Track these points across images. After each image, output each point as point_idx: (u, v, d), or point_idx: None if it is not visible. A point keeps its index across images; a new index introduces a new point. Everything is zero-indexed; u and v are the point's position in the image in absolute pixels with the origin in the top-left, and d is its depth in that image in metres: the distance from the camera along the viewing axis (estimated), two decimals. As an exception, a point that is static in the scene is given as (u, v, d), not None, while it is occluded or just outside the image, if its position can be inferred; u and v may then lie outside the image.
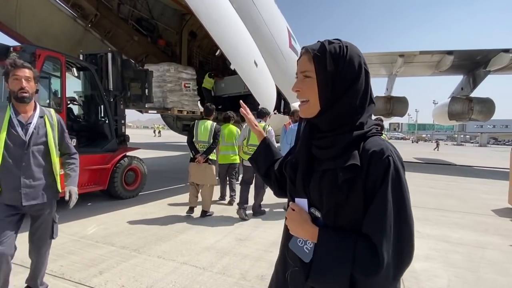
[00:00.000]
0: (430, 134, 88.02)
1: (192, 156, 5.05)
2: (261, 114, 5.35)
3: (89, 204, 5.52)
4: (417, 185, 9.03)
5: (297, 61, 0.98)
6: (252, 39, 7.12)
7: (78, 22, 8.21)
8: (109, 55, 5.80)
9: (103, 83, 5.79)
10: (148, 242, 3.79)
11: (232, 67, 6.51)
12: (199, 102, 9.27)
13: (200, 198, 5.18)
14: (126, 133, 6.31)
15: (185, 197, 6.27)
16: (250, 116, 1.39)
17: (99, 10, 8.44)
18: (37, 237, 2.42)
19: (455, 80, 16.89)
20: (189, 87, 8.16)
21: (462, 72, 15.90)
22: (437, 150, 32.07)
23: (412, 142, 64.37)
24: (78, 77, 6.07)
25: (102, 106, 5.92)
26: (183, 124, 10.29)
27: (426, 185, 9.10)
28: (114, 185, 5.68)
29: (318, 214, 0.91)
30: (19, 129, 2.11)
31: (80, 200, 5.59)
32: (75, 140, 5.01)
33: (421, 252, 3.82)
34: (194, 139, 5.06)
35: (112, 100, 5.85)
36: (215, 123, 5.20)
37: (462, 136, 72.83)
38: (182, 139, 13.98)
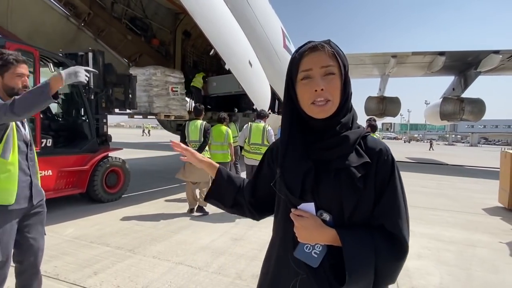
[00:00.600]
0: (422, 134, 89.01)
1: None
2: (261, 115, 5.69)
3: (82, 205, 5.47)
4: (409, 184, 9.13)
5: (304, 56, 0.91)
6: (247, 39, 7.14)
7: (71, 20, 8.13)
8: (90, 54, 5.51)
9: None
10: (143, 242, 3.78)
11: (226, 67, 6.53)
12: (192, 102, 9.28)
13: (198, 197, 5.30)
14: (109, 133, 6.02)
15: (179, 197, 6.29)
16: (191, 150, 1.29)
17: (92, 9, 8.37)
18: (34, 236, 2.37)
19: (447, 81, 17.13)
20: (176, 91, 7.91)
21: (453, 73, 16.13)
22: (432, 149, 32.48)
23: (404, 142, 65.03)
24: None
25: (81, 104, 5.61)
26: (177, 123, 10.26)
27: (418, 184, 9.22)
28: (94, 188, 5.40)
29: (326, 216, 0.90)
30: (22, 128, 2.05)
31: (74, 200, 5.59)
32: (50, 140, 4.77)
33: (413, 250, 3.87)
34: (186, 140, 5.18)
35: (93, 98, 5.56)
36: (204, 122, 5.30)
37: (453, 136, 73.83)
38: (176, 138, 13.95)
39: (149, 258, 3.35)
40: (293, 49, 11.91)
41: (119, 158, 5.99)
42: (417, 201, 6.76)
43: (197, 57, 11.80)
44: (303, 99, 0.91)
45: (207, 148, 5.32)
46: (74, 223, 4.44)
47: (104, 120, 5.87)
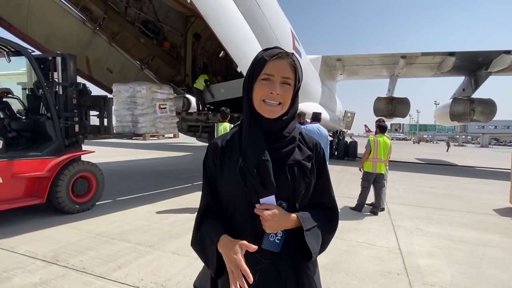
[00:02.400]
0: (431, 135, 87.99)
1: None
2: (299, 115, 5.92)
3: (99, 202, 5.66)
4: (418, 185, 9.17)
5: (271, 60, 1.01)
6: (258, 41, 7.27)
7: (86, 25, 8.34)
8: (58, 59, 5.06)
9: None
10: (162, 239, 3.94)
11: (238, 69, 6.67)
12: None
13: None
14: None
15: (192, 196, 6.45)
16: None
17: (107, 13, 8.58)
18: None
19: (457, 81, 17.02)
20: (165, 108, 7.40)
21: (463, 73, 16.01)
22: (448, 151, 32.11)
23: (414, 143, 64.36)
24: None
25: (44, 100, 5.03)
26: (188, 125, 10.42)
27: (427, 185, 9.23)
28: (57, 197, 4.71)
29: (285, 204, 1.03)
30: None
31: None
32: (1, 142, 4.24)
33: (424, 249, 3.96)
34: None
35: (61, 93, 5.04)
36: (232, 125, 5.53)
37: (463, 137, 72.81)
38: (187, 140, 14.16)
39: (169, 253, 3.50)
40: (302, 51, 12.02)
41: (91, 162, 5.38)
42: (426, 202, 6.81)
43: (207, 59, 11.97)
44: (257, 95, 1.02)
45: None
46: (94, 221, 4.63)
47: (76, 119, 5.28)
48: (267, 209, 0.99)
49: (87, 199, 5.22)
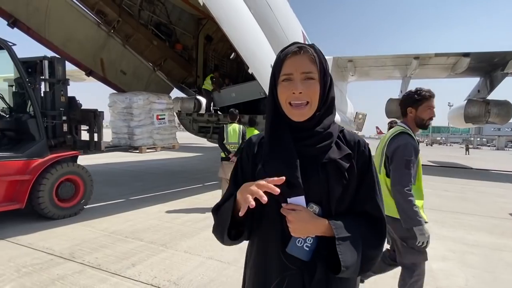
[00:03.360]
0: (445, 137, 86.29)
1: (224, 156, 5.65)
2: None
3: (111, 201, 5.78)
4: (431, 188, 9.01)
5: (287, 58, 0.94)
6: (269, 43, 7.31)
7: (101, 28, 8.52)
8: (45, 62, 4.81)
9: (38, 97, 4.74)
10: (174, 238, 4.00)
11: (250, 71, 6.72)
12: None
13: None
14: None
15: (203, 197, 6.51)
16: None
17: (121, 16, 8.76)
18: None
19: (472, 83, 16.67)
20: (163, 118, 7.12)
21: (478, 74, 15.67)
22: (468, 154, 31.47)
23: (426, 145, 63.24)
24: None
25: (27, 97, 4.75)
26: (199, 126, 10.52)
27: (440, 188, 9.07)
28: (39, 202, 4.37)
29: (316, 208, 0.92)
30: None
31: (107, 197, 5.90)
32: None
33: (438, 252, 3.90)
34: (225, 141, 5.63)
35: (48, 90, 4.82)
36: (241, 126, 5.77)
37: (478, 139, 71.14)
38: (198, 141, 14.29)
39: (181, 252, 3.56)
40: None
41: (78, 164, 5.05)
42: (439, 205, 6.70)
43: (218, 61, 12.08)
44: (282, 99, 0.95)
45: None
46: (107, 219, 4.73)
47: (65, 118, 4.99)
48: (294, 210, 0.90)
49: (73, 203, 4.86)
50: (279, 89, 0.96)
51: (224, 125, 5.75)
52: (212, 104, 10.55)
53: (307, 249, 0.90)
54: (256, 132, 6.17)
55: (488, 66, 14.31)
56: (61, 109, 5.00)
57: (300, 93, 0.91)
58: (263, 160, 0.98)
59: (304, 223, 0.88)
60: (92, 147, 5.47)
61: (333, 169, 0.94)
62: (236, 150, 5.61)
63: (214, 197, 6.19)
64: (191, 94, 11.64)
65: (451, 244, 4.23)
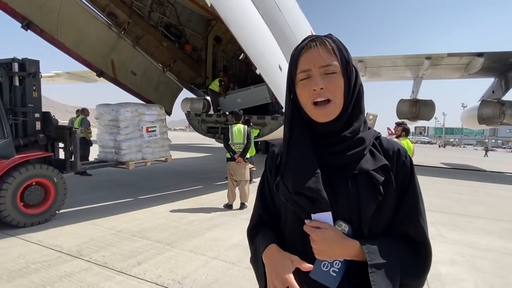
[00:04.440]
0: (458, 138, 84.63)
1: (230, 156, 5.69)
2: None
3: (120, 200, 5.86)
4: (442, 190, 8.86)
5: (302, 53, 0.83)
6: (277, 44, 7.30)
7: (112, 29, 8.66)
8: (15, 64, 4.48)
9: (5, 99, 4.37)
10: (180, 238, 4.03)
11: (257, 71, 6.72)
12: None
13: (238, 194, 5.83)
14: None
15: (210, 197, 6.54)
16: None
17: (131, 18, 8.88)
18: None
19: (486, 83, 16.30)
20: (154, 131, 6.68)
21: (493, 75, 15.31)
22: (486, 156, 30.89)
23: (439, 147, 62.11)
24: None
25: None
26: (208, 126, 10.58)
27: (452, 190, 8.89)
28: (0, 208, 3.99)
29: (345, 226, 0.79)
30: None
31: (115, 196, 6.00)
32: None
33: (446, 256, 3.83)
34: (230, 142, 5.67)
35: (18, 84, 4.46)
36: (246, 126, 5.81)
37: (493, 141, 69.51)
38: (207, 141, 14.37)
39: (186, 252, 3.58)
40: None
41: (48, 166, 4.57)
42: (450, 208, 6.57)
43: (227, 62, 12.14)
44: (303, 99, 0.84)
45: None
46: (115, 218, 4.79)
47: (37, 115, 4.62)
48: (319, 228, 0.79)
49: (43, 209, 4.39)
50: (298, 89, 0.84)
51: (229, 126, 5.79)
52: (217, 106, 10.62)
53: (334, 274, 0.78)
54: (241, 127, 5.99)
55: (503, 66, 13.96)
56: (29, 105, 4.55)
57: (322, 88, 0.79)
58: (281, 172, 0.87)
59: (331, 244, 0.76)
60: (68, 167, 5.00)
61: (365, 182, 0.80)
62: (241, 150, 5.64)
63: (221, 197, 6.21)
64: (200, 95, 11.73)
65: (461, 248, 4.14)
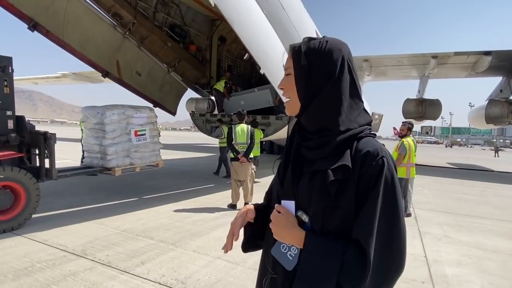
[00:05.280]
0: (465, 138, 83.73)
1: (233, 156, 5.70)
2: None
3: (125, 199, 5.89)
4: (449, 190, 8.76)
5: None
6: (282, 43, 7.27)
7: (117, 30, 8.72)
8: None
9: None
10: (184, 237, 4.03)
11: (261, 71, 6.71)
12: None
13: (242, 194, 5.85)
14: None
15: (214, 197, 6.55)
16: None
17: (136, 18, 8.93)
18: None
19: (493, 82, 16.09)
20: (143, 134, 6.28)
21: (501, 74, 15.09)
22: (497, 156, 30.56)
23: (446, 147, 61.53)
24: None
25: None
26: (212, 126, 10.60)
27: (459, 191, 8.78)
28: None
29: (305, 217, 0.84)
30: None
31: (120, 196, 6.03)
32: None
33: (452, 257, 3.79)
34: (233, 142, 5.66)
35: None
36: (249, 126, 5.81)
37: (501, 140, 68.61)
38: (211, 141, 14.40)
39: (190, 251, 3.58)
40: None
41: (20, 169, 4.22)
42: (457, 208, 6.49)
43: (232, 62, 12.15)
44: None
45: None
46: (120, 218, 4.82)
47: (9, 113, 4.33)
48: (279, 212, 0.88)
49: (11, 216, 4.05)
50: None
51: (232, 126, 5.77)
52: (222, 106, 10.63)
53: (290, 258, 0.84)
54: (245, 127, 5.95)
55: (511, 65, 13.76)
56: (11, 101, 4.33)
57: (281, 88, 0.93)
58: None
59: (280, 228, 0.85)
60: (43, 175, 4.63)
61: (319, 180, 0.82)
62: (244, 150, 5.64)
63: (225, 197, 6.21)
64: (204, 95, 11.75)
65: (467, 249, 4.08)
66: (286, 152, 0.96)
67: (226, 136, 9.50)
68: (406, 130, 5.79)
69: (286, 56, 0.98)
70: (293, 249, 0.84)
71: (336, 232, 0.81)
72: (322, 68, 0.85)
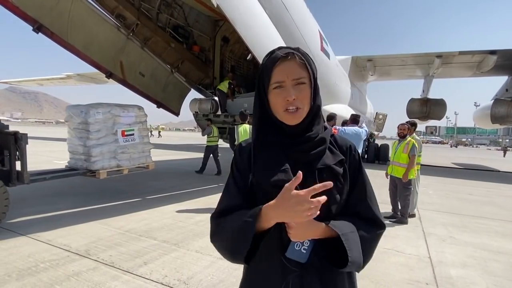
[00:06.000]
0: (471, 138, 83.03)
1: None
2: (329, 118, 6.28)
3: (128, 199, 5.91)
4: (454, 191, 8.68)
5: (276, 65, 0.94)
6: (284, 43, 7.27)
7: (121, 31, 8.77)
8: None
9: None
10: (186, 238, 4.04)
11: (264, 71, 6.71)
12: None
13: None
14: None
15: (217, 197, 6.49)
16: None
17: (139, 20, 8.98)
18: None
19: (499, 81, 15.93)
20: (131, 135, 5.97)
21: (506, 73, 14.94)
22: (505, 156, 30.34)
23: (451, 147, 61.07)
24: None
25: None
26: (217, 127, 10.61)
27: (463, 191, 8.71)
28: None
29: None
30: None
31: (126, 197, 6.05)
32: None
33: (457, 258, 3.75)
34: (236, 142, 5.69)
35: None
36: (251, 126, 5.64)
37: (507, 140, 67.93)
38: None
39: (193, 252, 3.58)
40: (330, 52, 11.83)
41: None
42: (462, 209, 6.43)
43: (235, 62, 12.16)
44: (276, 106, 0.96)
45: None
46: (124, 218, 4.83)
47: None
48: None
49: None
50: (271, 96, 0.96)
51: (235, 126, 5.77)
52: (225, 106, 10.64)
53: (305, 251, 0.93)
54: (246, 126, 5.96)
55: (517, 64, 13.63)
56: None
57: (294, 99, 0.93)
58: (254, 169, 0.99)
59: (304, 228, 0.90)
60: (14, 179, 4.35)
61: (328, 175, 0.96)
62: None
63: (228, 197, 6.22)
64: (208, 95, 11.78)
65: (472, 250, 4.04)
66: (274, 159, 0.97)
67: (215, 134, 9.71)
68: (406, 130, 5.59)
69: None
70: (305, 243, 0.93)
71: (338, 215, 0.98)
72: (316, 78, 1.00)
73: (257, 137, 1.02)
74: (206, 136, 9.96)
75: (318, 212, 0.85)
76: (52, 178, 5.07)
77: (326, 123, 1.07)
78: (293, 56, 0.94)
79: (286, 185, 0.85)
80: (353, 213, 1.01)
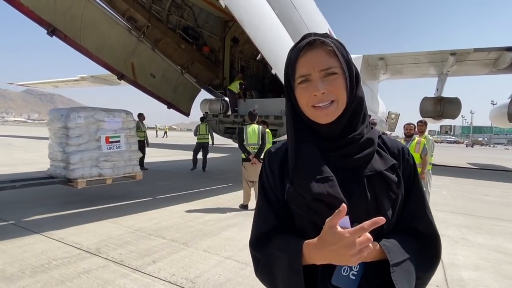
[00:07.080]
0: (487, 137, 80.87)
1: (245, 157, 5.70)
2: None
3: (139, 199, 6.00)
4: (468, 192, 8.48)
5: (300, 56, 0.80)
6: (293, 43, 7.25)
7: (132, 33, 8.93)
8: None
9: None
10: (195, 237, 4.07)
11: (273, 71, 6.71)
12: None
13: (253, 194, 5.82)
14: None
15: (226, 197, 6.58)
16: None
17: (150, 22, 9.12)
18: None
19: (517, 79, 15.47)
20: (117, 141, 5.57)
21: (524, 70, 14.53)
22: None
23: (467, 146, 59.66)
24: None
25: None
26: (225, 127, 10.67)
27: (479, 192, 8.49)
28: None
29: None
30: None
31: (136, 196, 6.14)
32: None
33: (470, 260, 3.66)
34: (244, 143, 5.66)
35: None
36: (261, 126, 5.79)
37: (526, 140, 65.90)
38: (224, 141, 14.49)
39: (200, 251, 3.61)
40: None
41: None
42: (476, 210, 6.27)
43: (245, 62, 12.20)
44: (302, 103, 0.82)
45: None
46: (134, 217, 4.91)
47: None
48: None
49: None
50: (297, 93, 0.82)
51: (244, 126, 5.77)
52: (235, 106, 10.70)
53: (353, 277, 0.78)
54: (256, 127, 5.88)
55: (535, 60, 13.20)
56: None
57: (323, 93, 0.77)
58: (290, 179, 0.82)
59: (355, 249, 0.71)
60: None
61: (379, 183, 0.80)
62: (256, 151, 5.65)
63: (237, 197, 6.24)
64: (218, 96, 11.85)
65: (486, 253, 3.94)
66: (313, 167, 0.80)
67: (201, 132, 9.88)
68: (413, 129, 5.59)
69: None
70: (355, 267, 0.77)
71: (391, 231, 0.83)
72: (353, 64, 0.83)
73: (294, 142, 0.85)
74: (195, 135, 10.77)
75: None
76: (22, 186, 4.79)
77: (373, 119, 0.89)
78: (319, 43, 0.79)
79: (328, 221, 0.70)
80: (408, 228, 0.84)
